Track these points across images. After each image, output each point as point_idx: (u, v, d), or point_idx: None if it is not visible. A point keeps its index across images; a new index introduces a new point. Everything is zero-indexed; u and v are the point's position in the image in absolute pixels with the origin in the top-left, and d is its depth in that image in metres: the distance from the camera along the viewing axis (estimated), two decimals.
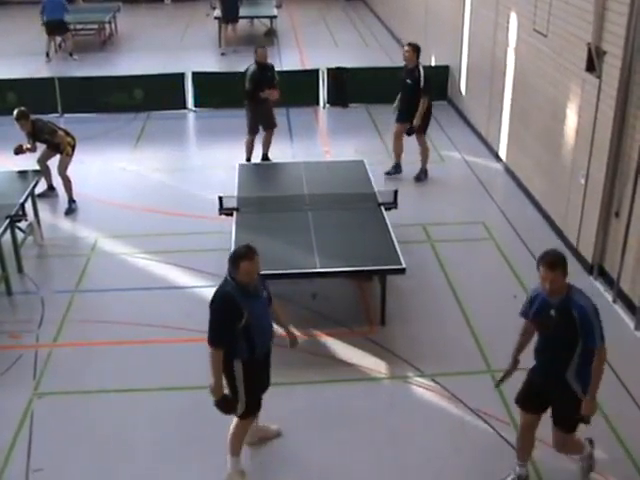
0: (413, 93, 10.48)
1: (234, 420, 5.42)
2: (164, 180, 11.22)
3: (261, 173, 10.18)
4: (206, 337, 5.12)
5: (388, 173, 11.07)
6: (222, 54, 18.57)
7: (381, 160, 11.45)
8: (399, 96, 10.81)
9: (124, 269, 8.66)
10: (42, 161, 10.15)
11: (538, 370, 5.16)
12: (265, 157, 11.40)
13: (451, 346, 7.21)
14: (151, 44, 19.83)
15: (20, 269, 8.53)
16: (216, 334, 5.06)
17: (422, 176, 11.00)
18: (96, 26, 19.96)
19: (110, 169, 11.60)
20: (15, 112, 9.58)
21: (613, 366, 6.60)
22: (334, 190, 8.85)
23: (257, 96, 10.76)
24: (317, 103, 14.48)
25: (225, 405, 5.24)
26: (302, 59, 17.88)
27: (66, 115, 13.83)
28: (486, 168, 11.45)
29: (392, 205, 8.58)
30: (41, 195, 10.10)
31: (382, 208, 8.45)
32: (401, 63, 11.40)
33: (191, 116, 14.23)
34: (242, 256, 5.00)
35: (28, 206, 8.86)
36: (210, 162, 11.79)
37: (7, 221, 8.12)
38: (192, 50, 18.89)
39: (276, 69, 11.23)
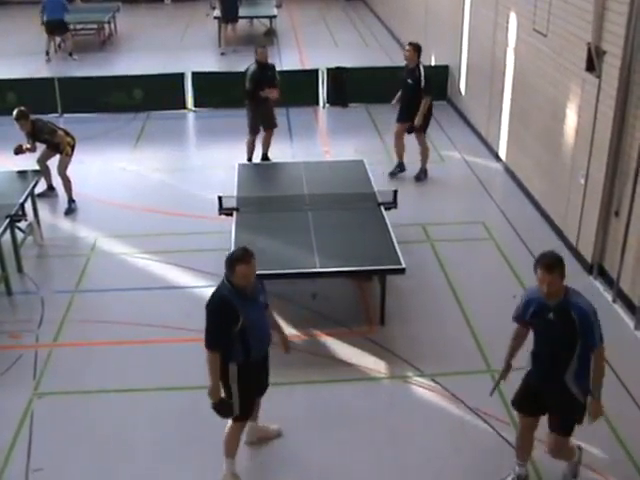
0: (414, 93, 10.48)
1: (228, 422, 5.42)
2: (164, 180, 11.22)
3: (261, 173, 10.18)
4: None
5: (392, 174, 11.07)
6: (222, 54, 18.57)
7: (381, 160, 11.46)
8: (399, 93, 10.81)
9: (124, 269, 8.66)
10: (42, 161, 10.15)
11: (536, 374, 5.12)
12: (265, 157, 11.40)
13: (451, 346, 7.22)
14: (151, 44, 19.83)
15: (20, 269, 8.53)
16: (212, 337, 5.03)
17: (422, 176, 11.01)
18: (96, 26, 19.95)
19: (110, 169, 11.60)
20: (15, 112, 9.58)
21: (613, 366, 6.60)
22: (334, 190, 8.85)
23: (257, 96, 10.76)
24: (317, 103, 14.48)
25: (222, 408, 5.22)
26: (302, 59, 17.88)
27: (66, 115, 13.83)
28: (486, 168, 11.45)
29: (392, 205, 8.58)
30: (41, 195, 10.10)
31: (382, 208, 8.45)
32: (401, 63, 11.41)
33: (191, 116, 14.23)
34: (239, 259, 4.95)
35: (28, 206, 8.86)
36: (210, 162, 11.79)
37: (7, 221, 8.12)
38: (192, 50, 18.89)
39: (276, 69, 11.24)
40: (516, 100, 10.73)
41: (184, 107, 14.27)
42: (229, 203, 8.48)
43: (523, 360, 5.26)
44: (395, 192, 8.60)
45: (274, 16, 20.58)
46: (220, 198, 8.43)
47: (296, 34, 20.92)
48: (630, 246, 7.53)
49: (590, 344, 4.82)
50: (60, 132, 9.90)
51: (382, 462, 5.79)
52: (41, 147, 10.04)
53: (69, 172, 10.04)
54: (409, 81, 10.52)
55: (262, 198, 8.82)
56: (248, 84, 10.81)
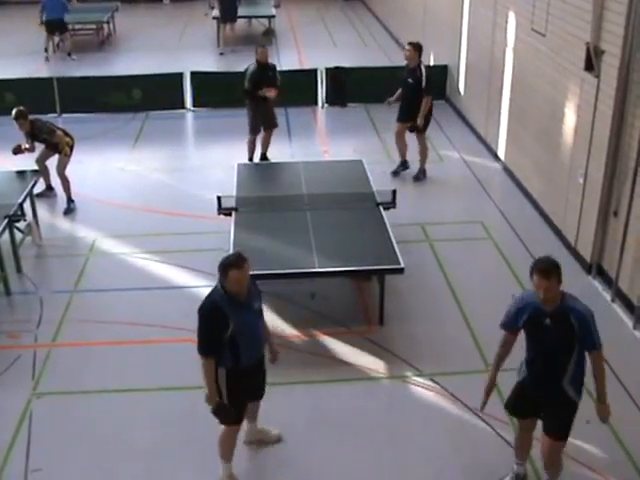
0: (415, 92, 10.47)
1: (222, 426, 5.41)
2: (163, 180, 11.22)
3: (260, 173, 10.18)
4: None
5: (395, 172, 11.08)
6: (221, 54, 18.56)
7: (380, 160, 11.47)
8: (398, 92, 10.81)
9: (123, 269, 8.66)
10: (41, 161, 10.15)
11: (531, 380, 5.05)
12: (264, 157, 11.40)
13: (450, 346, 7.22)
14: (149, 44, 19.82)
15: (19, 269, 8.53)
16: (204, 343, 4.99)
17: (421, 176, 11.01)
18: (94, 26, 19.94)
19: (109, 169, 11.59)
20: (13, 112, 9.58)
21: (612, 365, 6.60)
22: (333, 190, 8.86)
23: (257, 95, 10.76)
24: (316, 103, 14.48)
25: (221, 413, 5.19)
26: (300, 59, 17.88)
27: (64, 115, 13.82)
28: (485, 168, 11.45)
29: (391, 205, 8.58)
30: (40, 195, 10.09)
31: (381, 208, 8.45)
32: (400, 63, 11.41)
33: (189, 116, 14.22)
34: (231, 264, 4.88)
35: (27, 206, 8.85)
36: (209, 162, 11.79)
37: (6, 221, 8.12)
38: (190, 50, 18.88)
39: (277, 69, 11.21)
40: (515, 100, 10.74)
41: (183, 107, 14.27)
42: (228, 203, 8.48)
43: (512, 362, 5.20)
44: (394, 192, 8.60)
45: (273, 16, 20.58)
46: (219, 198, 8.43)
47: (295, 34, 20.92)
48: (629, 246, 7.54)
49: (590, 347, 4.78)
50: (59, 132, 9.90)
51: (381, 462, 5.79)
52: (40, 147, 10.03)
53: (68, 172, 10.04)
54: (410, 80, 10.51)
55: (261, 198, 8.82)
56: (247, 83, 10.81)
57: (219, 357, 5.05)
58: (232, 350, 5.04)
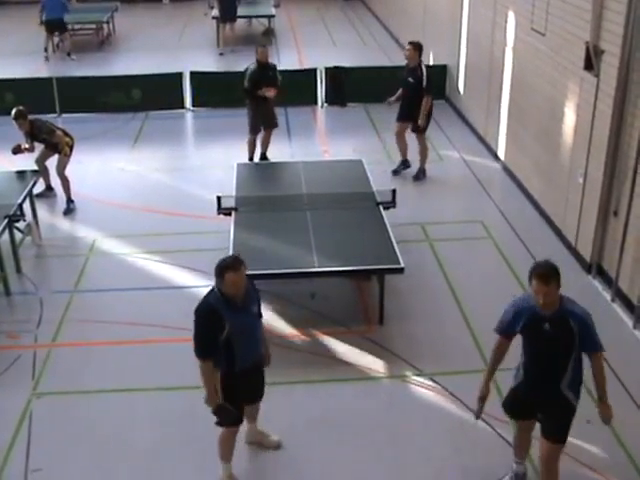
0: (415, 92, 10.48)
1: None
2: (163, 180, 11.21)
3: (259, 173, 10.18)
4: None
5: (396, 171, 11.10)
6: (220, 54, 18.56)
7: (379, 159, 11.47)
8: (399, 92, 10.82)
9: (123, 269, 8.66)
10: (40, 161, 10.15)
11: (529, 384, 5.01)
12: (263, 157, 11.40)
13: (450, 345, 7.22)
14: (149, 44, 19.82)
15: (18, 269, 8.52)
16: (200, 346, 4.98)
17: (421, 175, 11.01)
18: (94, 26, 19.94)
19: (108, 169, 11.59)
20: (13, 111, 9.57)
21: (612, 365, 6.60)
22: (332, 190, 8.85)
23: (257, 95, 10.75)
24: (315, 103, 14.48)
25: (221, 414, 5.16)
26: (300, 59, 17.88)
27: (64, 115, 13.82)
28: (484, 167, 11.45)
29: (390, 204, 8.58)
30: (39, 195, 10.10)
31: (380, 207, 8.45)
32: (399, 62, 11.41)
33: (189, 116, 14.22)
34: (228, 267, 4.84)
35: (26, 206, 8.85)
36: (208, 162, 11.79)
37: (5, 221, 8.12)
38: (190, 50, 18.88)
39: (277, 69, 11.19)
40: (514, 99, 10.74)
41: (182, 107, 14.27)
42: (228, 203, 8.48)
43: (511, 361, 5.18)
44: (394, 192, 8.60)
45: (272, 16, 20.57)
46: (219, 198, 8.43)
47: (294, 34, 20.92)
48: (629, 245, 7.53)
49: (592, 349, 4.75)
50: (59, 132, 9.90)
51: (381, 461, 5.79)
52: (39, 147, 10.03)
53: (67, 172, 10.04)
54: (410, 80, 10.52)
55: (261, 198, 8.82)
56: (247, 83, 10.81)
57: (217, 359, 5.03)
58: (227, 353, 5.01)
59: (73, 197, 10.15)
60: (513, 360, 5.15)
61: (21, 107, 9.68)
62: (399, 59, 14.44)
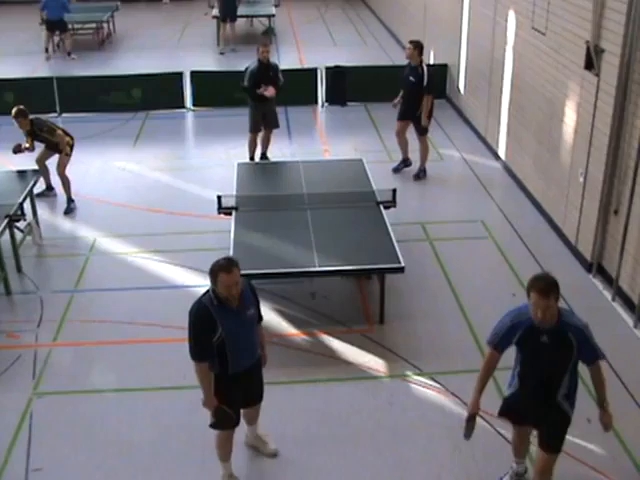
0: (416, 91, 10.48)
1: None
2: (163, 179, 11.21)
3: (260, 172, 10.18)
4: None
5: (396, 169, 11.11)
6: (221, 53, 18.55)
7: (380, 159, 11.47)
8: (401, 93, 10.82)
9: (123, 268, 8.66)
10: (41, 161, 10.15)
11: (525, 394, 4.95)
12: (264, 156, 11.40)
13: (450, 344, 7.22)
14: (149, 43, 19.81)
15: (19, 269, 8.53)
16: (194, 348, 4.95)
17: (421, 174, 11.01)
18: (94, 25, 19.94)
19: (109, 168, 11.59)
20: (13, 110, 9.57)
21: (612, 364, 6.61)
22: (333, 189, 8.85)
23: (257, 94, 10.73)
24: (316, 102, 14.48)
25: (219, 417, 5.15)
26: (300, 58, 17.88)
27: (64, 115, 13.83)
28: (485, 166, 11.45)
29: (391, 204, 8.58)
30: (40, 195, 10.10)
31: (381, 207, 8.45)
32: (400, 61, 11.42)
33: (189, 115, 14.21)
34: (221, 268, 4.82)
35: (27, 206, 8.85)
36: (209, 161, 11.79)
37: (6, 221, 8.12)
38: (190, 49, 18.88)
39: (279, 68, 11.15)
40: (515, 99, 10.73)
41: (183, 106, 14.27)
42: (228, 202, 8.47)
43: (509, 361, 5.15)
44: (394, 191, 8.60)
45: (273, 15, 20.57)
46: (219, 197, 8.43)
47: (295, 33, 20.91)
48: (629, 244, 7.53)
49: (592, 359, 4.69)
50: (59, 131, 9.90)
51: (381, 460, 5.79)
52: (40, 147, 10.03)
53: (68, 172, 10.04)
54: (411, 79, 10.52)
55: (261, 197, 8.82)
56: (246, 81, 10.76)
57: (211, 361, 5.01)
58: (220, 355, 4.99)
59: (73, 197, 10.16)
60: (511, 360, 5.13)
61: (21, 106, 9.68)
62: (400, 58, 14.46)
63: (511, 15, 10.73)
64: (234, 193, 8.77)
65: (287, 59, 17.22)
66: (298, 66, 16.31)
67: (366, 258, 7.47)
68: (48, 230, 9.49)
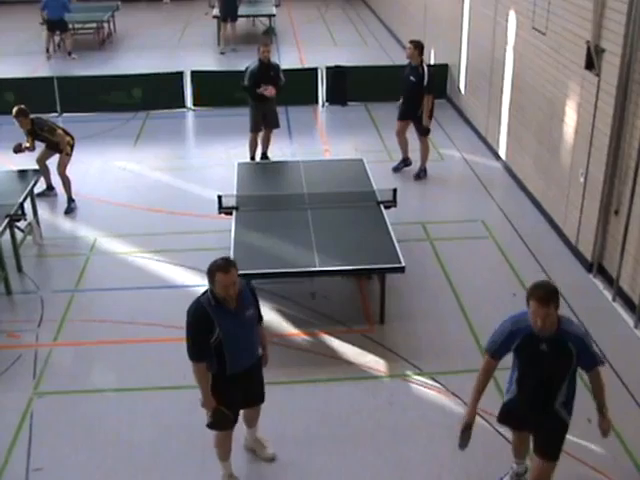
0: (416, 91, 10.48)
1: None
2: (163, 179, 11.21)
3: (260, 172, 10.18)
4: None
5: (396, 168, 11.12)
6: (221, 53, 18.55)
7: (380, 158, 11.47)
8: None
9: (124, 268, 8.66)
10: (41, 161, 10.15)
11: (522, 401, 4.92)
12: (264, 156, 11.40)
13: (451, 344, 7.22)
14: (150, 43, 19.81)
15: (19, 268, 8.53)
16: (192, 348, 4.95)
17: (422, 174, 11.01)
18: (95, 25, 19.95)
19: (109, 168, 11.59)
20: (14, 110, 9.57)
21: (613, 364, 6.62)
22: (333, 189, 8.85)
23: (257, 93, 10.73)
24: (316, 102, 14.48)
25: (217, 417, 5.13)
26: (301, 58, 17.88)
27: (65, 114, 13.83)
28: (485, 166, 11.45)
29: (391, 203, 8.58)
30: (40, 194, 10.10)
31: (381, 206, 8.45)
32: (401, 61, 11.42)
33: (190, 115, 14.21)
34: (219, 268, 4.80)
35: (27, 205, 8.85)
36: (209, 161, 11.79)
37: (6, 220, 8.12)
38: (191, 49, 18.89)
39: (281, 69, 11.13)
40: (515, 99, 10.73)
41: (183, 106, 14.27)
42: (229, 202, 8.47)
43: (508, 362, 5.13)
44: (395, 191, 8.60)
45: (273, 15, 20.57)
46: (220, 197, 8.43)
47: (295, 33, 20.91)
48: (630, 244, 7.53)
49: (591, 365, 4.67)
50: (59, 131, 9.90)
51: (382, 460, 5.79)
52: (40, 147, 10.03)
53: (68, 171, 10.04)
54: (411, 78, 10.53)
55: (262, 197, 8.82)
56: (246, 80, 10.76)
57: (209, 361, 5.00)
58: (218, 356, 4.98)
59: (74, 196, 10.16)
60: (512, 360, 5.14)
61: (22, 105, 9.69)
62: (400, 58, 14.45)
63: (511, 15, 10.73)
64: (234, 193, 8.78)
65: (287, 59, 17.22)
66: (298, 66, 16.31)
67: (366, 258, 7.47)
68: (48, 230, 9.50)
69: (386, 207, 8.47)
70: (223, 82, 14.10)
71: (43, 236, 9.31)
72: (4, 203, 8.39)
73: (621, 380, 6.57)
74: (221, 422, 5.19)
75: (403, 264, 7.24)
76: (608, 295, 7.91)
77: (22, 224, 8.78)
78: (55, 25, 18.15)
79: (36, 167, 9.93)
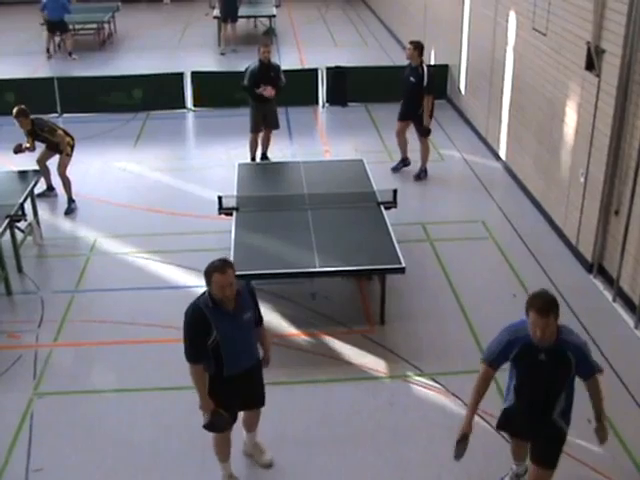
0: (416, 91, 10.49)
1: None
2: (164, 180, 11.21)
3: (260, 172, 10.18)
4: None
5: (395, 169, 11.14)
6: (221, 54, 18.55)
7: (381, 159, 11.47)
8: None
9: (124, 269, 8.66)
10: (41, 161, 10.15)
11: (520, 409, 4.89)
12: (264, 156, 11.40)
13: (451, 345, 7.21)
14: (150, 44, 19.82)
15: (20, 269, 8.53)
16: (189, 349, 4.94)
17: (422, 175, 11.01)
18: (95, 26, 19.95)
19: (109, 169, 11.60)
20: (15, 110, 9.57)
21: (613, 365, 6.62)
22: (334, 189, 8.85)
23: (257, 94, 10.73)
24: (316, 102, 14.48)
25: (215, 419, 5.12)
26: (301, 58, 17.88)
27: (65, 115, 13.83)
28: (486, 167, 11.45)
29: (392, 204, 8.58)
30: (40, 195, 10.10)
31: (382, 207, 8.45)
32: (401, 62, 11.42)
33: (190, 116, 14.22)
34: (215, 269, 4.79)
35: (27, 206, 8.85)
36: (209, 162, 11.79)
37: (7, 221, 8.12)
38: (191, 50, 18.89)
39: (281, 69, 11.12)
40: (516, 99, 10.73)
41: (184, 107, 14.27)
42: (229, 203, 8.48)
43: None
44: (395, 191, 8.60)
45: (273, 15, 20.57)
46: (220, 198, 8.43)
47: (295, 33, 20.92)
48: (630, 245, 7.53)
49: (590, 374, 4.65)
50: (60, 131, 9.90)
51: (382, 461, 5.79)
52: (40, 147, 10.03)
53: (68, 172, 10.05)
54: (411, 79, 10.53)
55: (262, 198, 8.82)
56: (246, 81, 10.76)
57: (207, 363, 5.00)
58: (215, 358, 4.97)
59: (74, 197, 10.16)
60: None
61: (22, 105, 9.69)
62: (400, 59, 14.46)
63: (512, 16, 10.73)
64: (235, 193, 8.78)
65: (288, 59, 17.22)
66: (299, 66, 16.31)
67: (367, 258, 7.46)
68: (49, 230, 9.50)
69: (386, 208, 8.47)
70: (223, 83, 14.10)
71: (43, 236, 9.31)
72: (4, 203, 8.39)
73: (621, 380, 6.57)
74: (218, 424, 5.18)
75: (403, 265, 7.24)
76: (608, 295, 7.91)
77: (22, 224, 8.78)
78: (55, 26, 18.17)
79: (36, 168, 9.93)
